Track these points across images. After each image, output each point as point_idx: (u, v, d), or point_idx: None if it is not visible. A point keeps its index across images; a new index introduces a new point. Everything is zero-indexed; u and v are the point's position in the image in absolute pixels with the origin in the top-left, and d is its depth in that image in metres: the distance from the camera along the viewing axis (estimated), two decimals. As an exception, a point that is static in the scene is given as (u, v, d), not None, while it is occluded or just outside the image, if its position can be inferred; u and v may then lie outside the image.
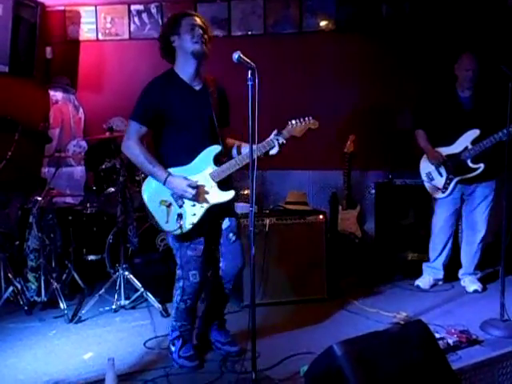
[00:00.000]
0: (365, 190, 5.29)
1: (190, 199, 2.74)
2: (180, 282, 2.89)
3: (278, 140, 2.80)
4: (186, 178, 2.73)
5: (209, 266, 2.95)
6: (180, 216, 2.74)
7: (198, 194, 2.75)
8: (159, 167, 2.74)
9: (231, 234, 2.94)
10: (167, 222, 2.77)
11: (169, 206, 2.77)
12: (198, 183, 2.77)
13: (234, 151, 2.95)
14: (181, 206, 2.77)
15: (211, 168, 2.81)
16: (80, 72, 5.63)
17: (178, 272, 2.89)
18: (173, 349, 2.97)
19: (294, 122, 2.85)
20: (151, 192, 2.81)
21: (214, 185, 2.81)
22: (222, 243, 2.96)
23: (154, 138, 2.85)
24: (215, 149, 2.82)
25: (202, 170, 2.81)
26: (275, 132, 2.84)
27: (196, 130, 2.80)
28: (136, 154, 2.75)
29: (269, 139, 2.82)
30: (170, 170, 2.77)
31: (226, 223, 2.94)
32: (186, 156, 2.79)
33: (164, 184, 2.73)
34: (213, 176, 2.80)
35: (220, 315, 3.14)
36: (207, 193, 2.79)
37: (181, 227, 2.73)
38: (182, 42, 2.76)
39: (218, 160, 2.83)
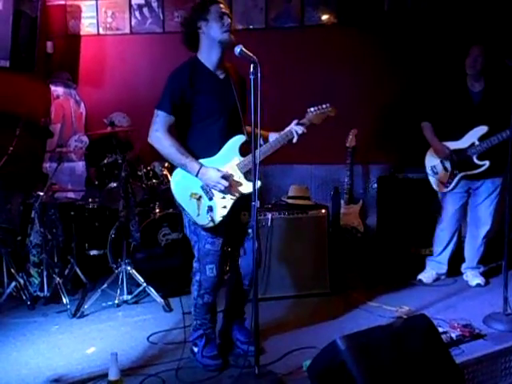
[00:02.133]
0: (367, 184, 5.28)
1: (221, 191, 2.70)
2: (197, 275, 2.85)
3: (296, 131, 2.77)
4: (218, 170, 2.69)
5: (227, 261, 2.93)
6: (210, 208, 2.70)
7: (229, 186, 2.72)
8: (191, 159, 2.68)
9: (250, 230, 2.85)
10: (198, 215, 2.72)
11: (199, 198, 2.72)
12: (227, 176, 2.73)
13: (261, 140, 2.87)
14: (211, 199, 2.73)
15: (238, 159, 2.77)
16: (81, 67, 5.62)
17: (195, 265, 2.86)
18: (195, 349, 2.91)
19: (312, 109, 2.84)
20: (180, 185, 2.76)
21: (241, 175, 2.77)
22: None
23: (179, 129, 2.78)
24: (240, 139, 2.78)
25: (229, 160, 2.77)
26: (295, 122, 2.81)
27: (222, 120, 2.76)
28: (167, 145, 2.68)
29: (288, 130, 2.80)
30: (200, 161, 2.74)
31: (245, 218, 2.88)
32: (212, 147, 2.76)
33: (196, 176, 2.69)
34: (240, 167, 2.77)
35: (240, 312, 3.10)
36: (235, 184, 2.75)
37: (212, 220, 2.70)
38: (210, 29, 2.70)
39: (244, 150, 2.79)
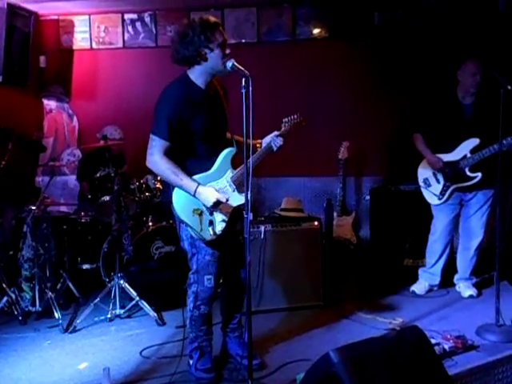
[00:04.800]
0: (360, 196, 5.30)
1: (216, 209, 2.74)
2: (193, 286, 2.87)
3: (276, 145, 2.88)
4: (216, 190, 2.73)
5: (221, 270, 2.94)
6: (211, 223, 2.76)
7: (225, 203, 2.75)
8: (187, 179, 2.71)
9: (240, 237, 2.91)
10: (201, 230, 2.76)
11: (200, 214, 2.76)
12: (224, 189, 2.79)
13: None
14: (211, 214, 2.77)
15: (231, 172, 2.83)
16: (74, 81, 5.64)
17: (193, 276, 2.87)
18: (190, 362, 2.92)
19: (285, 119, 2.96)
20: (182, 203, 2.77)
21: (235, 188, 2.82)
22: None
23: (176, 147, 2.77)
24: (231, 151, 2.83)
25: (223, 174, 2.82)
26: (275, 133, 2.91)
27: (214, 136, 2.80)
28: (162, 169, 2.71)
29: (268, 143, 2.90)
30: (195, 177, 2.76)
31: (238, 226, 2.91)
32: (207, 162, 2.80)
33: (194, 195, 2.71)
34: (233, 180, 2.82)
35: (237, 325, 3.09)
36: (231, 197, 2.79)
37: (215, 233, 2.76)
38: (213, 58, 2.67)
39: (234, 162, 2.84)
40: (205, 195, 2.70)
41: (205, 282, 2.84)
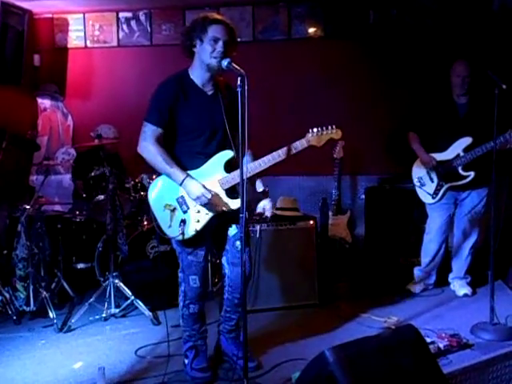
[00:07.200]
0: (355, 195, 5.31)
1: (202, 205, 2.70)
2: (182, 285, 2.88)
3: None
4: (204, 187, 2.67)
5: (214, 272, 2.92)
6: (183, 222, 2.71)
7: (209, 203, 2.71)
8: (177, 168, 2.68)
9: (238, 242, 2.80)
10: (170, 226, 2.74)
11: (173, 210, 2.73)
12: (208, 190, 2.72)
13: (249, 158, 2.79)
14: (185, 212, 2.73)
15: (221, 175, 2.76)
16: (68, 79, 5.63)
17: (180, 275, 2.89)
18: (186, 361, 2.91)
19: (314, 130, 2.77)
20: (157, 195, 2.78)
21: (223, 192, 2.76)
22: (228, 250, 2.92)
23: (165, 140, 2.77)
24: (227, 154, 2.78)
25: (211, 176, 2.76)
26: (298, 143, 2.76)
27: (207, 135, 2.76)
28: (153, 154, 2.70)
29: (281, 150, 2.75)
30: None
31: (233, 230, 2.87)
32: (195, 160, 2.76)
33: (180, 185, 2.69)
34: (222, 183, 2.76)
35: (234, 326, 3.05)
36: (215, 201, 2.73)
37: (183, 233, 2.70)
38: (202, 50, 2.69)
39: (230, 166, 2.78)
40: (189, 187, 2.67)
41: (190, 282, 2.84)
